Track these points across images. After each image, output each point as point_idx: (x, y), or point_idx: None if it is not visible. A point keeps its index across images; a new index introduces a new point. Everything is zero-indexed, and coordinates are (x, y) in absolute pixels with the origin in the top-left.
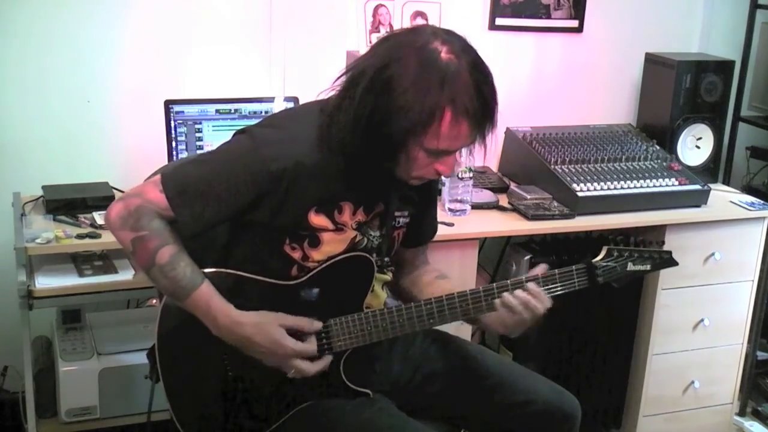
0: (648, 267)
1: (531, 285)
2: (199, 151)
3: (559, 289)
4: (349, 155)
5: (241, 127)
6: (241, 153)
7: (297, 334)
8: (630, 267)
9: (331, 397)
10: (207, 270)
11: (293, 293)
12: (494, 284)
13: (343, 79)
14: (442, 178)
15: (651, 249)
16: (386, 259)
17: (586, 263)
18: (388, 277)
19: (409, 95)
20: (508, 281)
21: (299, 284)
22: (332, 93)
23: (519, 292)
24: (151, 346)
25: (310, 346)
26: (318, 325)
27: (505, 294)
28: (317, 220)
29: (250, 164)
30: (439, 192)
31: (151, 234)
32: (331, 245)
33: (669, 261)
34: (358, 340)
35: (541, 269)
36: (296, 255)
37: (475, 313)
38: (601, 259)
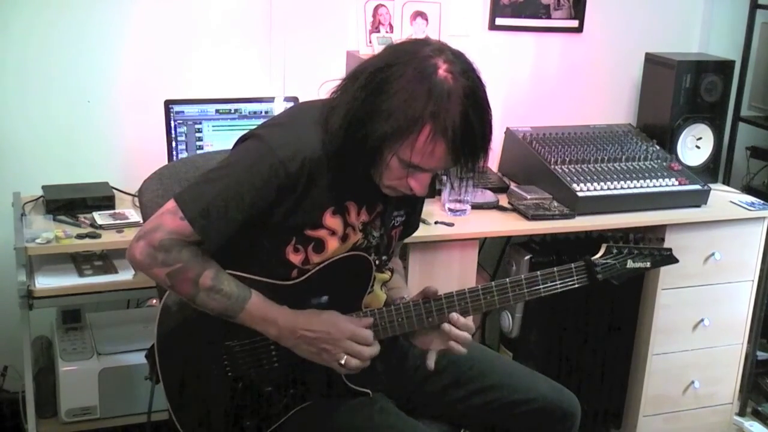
0: (648, 264)
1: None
2: (199, 154)
3: (558, 286)
4: (341, 154)
5: (243, 126)
6: (257, 160)
7: None
8: (630, 264)
9: (331, 397)
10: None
11: (292, 294)
12: (493, 282)
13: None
14: (443, 178)
15: (651, 246)
16: (384, 257)
17: (585, 260)
18: (387, 276)
19: (395, 100)
20: (507, 280)
21: (298, 284)
22: (335, 90)
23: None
24: (150, 347)
25: (365, 331)
26: (368, 320)
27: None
28: (331, 222)
29: (268, 169)
30: (439, 192)
31: (186, 264)
32: (335, 253)
33: (669, 258)
34: None
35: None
36: (298, 259)
37: (474, 311)
38: (601, 257)
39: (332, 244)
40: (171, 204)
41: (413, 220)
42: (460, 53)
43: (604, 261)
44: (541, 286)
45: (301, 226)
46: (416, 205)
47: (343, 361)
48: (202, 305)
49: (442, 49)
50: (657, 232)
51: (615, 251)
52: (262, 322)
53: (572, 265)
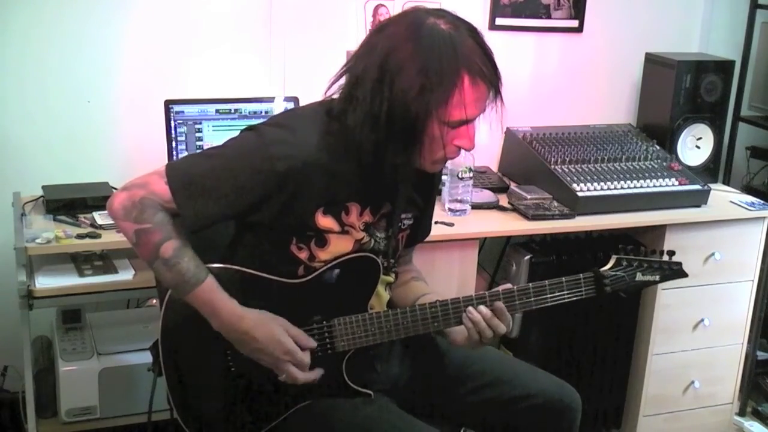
0: (657, 278)
1: (497, 304)
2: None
3: (566, 296)
4: (362, 156)
5: (243, 126)
6: (249, 151)
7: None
8: (639, 277)
9: (332, 397)
10: (213, 265)
11: (299, 292)
12: (500, 290)
13: (343, 80)
14: (443, 179)
15: (661, 260)
16: (392, 260)
17: (594, 272)
18: (391, 278)
19: (425, 72)
20: (514, 288)
21: (305, 282)
22: (335, 96)
23: (483, 309)
24: (155, 340)
25: (305, 356)
26: (313, 343)
27: (471, 308)
28: (324, 221)
29: (257, 163)
30: (439, 192)
31: (154, 227)
32: (339, 245)
33: (679, 272)
34: (361, 340)
35: (505, 287)
36: (303, 255)
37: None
38: (610, 269)
39: (334, 238)
40: (163, 168)
41: (424, 224)
42: (437, 8)
43: (614, 273)
44: (548, 296)
45: (296, 226)
46: (426, 208)
47: (282, 378)
48: (157, 273)
49: (426, 10)
50: (657, 232)
51: (625, 263)
52: (206, 310)
53: (581, 275)
